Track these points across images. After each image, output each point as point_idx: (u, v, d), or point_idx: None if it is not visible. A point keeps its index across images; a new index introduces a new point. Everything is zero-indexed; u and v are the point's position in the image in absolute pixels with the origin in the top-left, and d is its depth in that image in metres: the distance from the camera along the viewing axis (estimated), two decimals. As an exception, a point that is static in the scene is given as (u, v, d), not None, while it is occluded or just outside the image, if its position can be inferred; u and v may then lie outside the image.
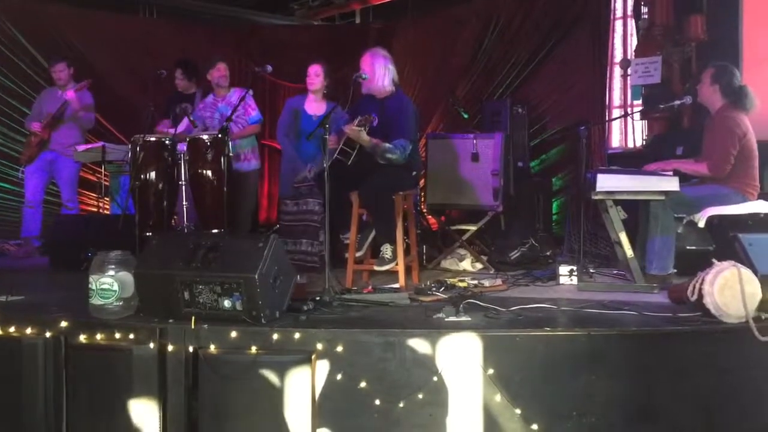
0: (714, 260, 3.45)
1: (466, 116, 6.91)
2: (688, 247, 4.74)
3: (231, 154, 5.13)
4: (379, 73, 4.66)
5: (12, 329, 3.43)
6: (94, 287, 3.43)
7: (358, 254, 4.58)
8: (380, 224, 4.53)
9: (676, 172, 4.40)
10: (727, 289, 3.27)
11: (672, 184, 4.24)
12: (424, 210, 6.23)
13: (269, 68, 5.39)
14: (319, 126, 4.16)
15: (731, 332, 3.26)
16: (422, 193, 6.11)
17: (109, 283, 3.42)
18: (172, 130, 5.64)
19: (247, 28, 9.41)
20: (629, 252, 4.33)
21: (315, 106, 5.77)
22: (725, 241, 4.46)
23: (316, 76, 5.72)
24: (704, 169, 4.47)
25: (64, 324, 3.38)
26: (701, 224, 4.41)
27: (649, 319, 3.45)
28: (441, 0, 8.61)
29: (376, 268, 4.50)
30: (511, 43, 7.55)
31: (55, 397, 3.36)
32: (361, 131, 4.44)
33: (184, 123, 5.89)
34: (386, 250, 4.48)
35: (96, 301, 3.43)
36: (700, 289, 3.35)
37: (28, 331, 3.40)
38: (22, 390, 3.36)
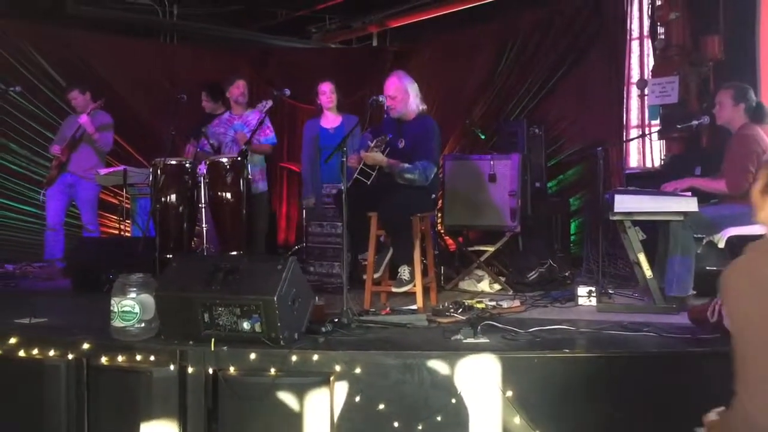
0: (734, 281, 3.42)
1: (482, 137, 6.94)
2: (707, 268, 4.69)
3: (250, 177, 5.18)
4: (413, 93, 4.69)
5: (35, 351, 3.46)
6: (115, 309, 3.47)
7: (375, 275, 4.58)
8: (398, 246, 4.52)
9: (695, 192, 4.38)
10: (748, 311, 3.23)
11: (690, 204, 4.22)
12: (442, 231, 6.24)
13: (287, 92, 5.46)
14: (337, 149, 4.17)
15: (752, 354, 3.23)
16: (439, 214, 6.12)
17: (131, 306, 3.45)
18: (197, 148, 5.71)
19: (264, 51, 9.52)
20: (648, 273, 4.30)
21: (331, 119, 5.84)
22: (745, 261, 4.40)
23: (332, 93, 5.79)
24: (722, 185, 4.44)
25: (86, 346, 3.41)
26: (721, 245, 4.37)
27: (668, 340, 3.43)
28: (457, 22, 8.67)
29: (394, 289, 4.50)
30: (528, 63, 7.59)
31: (77, 418, 3.38)
32: (377, 153, 4.46)
33: (204, 144, 5.96)
34: (404, 271, 4.47)
35: (117, 323, 3.46)
36: (720, 310, 3.32)
37: (51, 353, 3.43)
38: (44, 411, 3.39)
